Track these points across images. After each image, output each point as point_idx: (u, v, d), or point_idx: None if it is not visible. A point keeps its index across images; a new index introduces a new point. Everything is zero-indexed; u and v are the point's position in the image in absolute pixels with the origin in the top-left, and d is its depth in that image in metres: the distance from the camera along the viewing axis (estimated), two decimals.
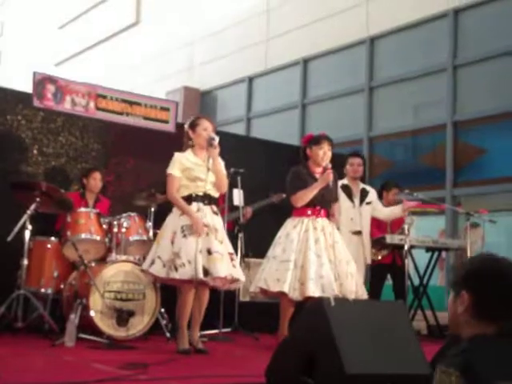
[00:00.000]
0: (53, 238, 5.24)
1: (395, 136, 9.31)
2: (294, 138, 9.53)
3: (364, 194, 6.00)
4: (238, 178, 5.84)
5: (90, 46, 16.23)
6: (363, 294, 4.94)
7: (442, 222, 8.37)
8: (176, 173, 4.56)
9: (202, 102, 12.44)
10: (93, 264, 5.08)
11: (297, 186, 4.92)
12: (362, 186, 6.07)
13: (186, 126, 4.75)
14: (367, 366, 2.79)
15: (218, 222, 4.60)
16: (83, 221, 5.17)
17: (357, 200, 5.95)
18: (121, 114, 6.33)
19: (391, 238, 6.05)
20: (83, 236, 5.14)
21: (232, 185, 5.69)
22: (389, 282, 6.50)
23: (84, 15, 16.83)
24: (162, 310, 5.24)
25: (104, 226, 5.24)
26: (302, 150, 5.12)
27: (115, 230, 5.22)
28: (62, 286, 5.15)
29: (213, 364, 4.17)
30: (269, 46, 11.28)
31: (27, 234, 4.92)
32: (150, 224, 5.47)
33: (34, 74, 5.90)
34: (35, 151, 5.88)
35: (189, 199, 4.53)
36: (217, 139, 4.53)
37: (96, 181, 5.71)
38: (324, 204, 4.97)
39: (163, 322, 5.17)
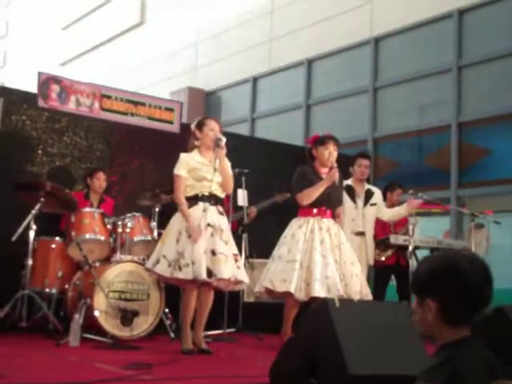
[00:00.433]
0: (57, 238, 5.26)
1: (400, 137, 9.28)
2: (298, 139, 9.50)
3: (369, 195, 5.98)
4: (243, 179, 5.85)
5: (94, 46, 16.27)
6: (368, 294, 4.94)
7: (446, 223, 8.34)
8: (183, 173, 4.55)
9: (206, 102, 12.44)
10: (97, 264, 5.09)
11: (303, 185, 4.92)
12: (367, 186, 6.05)
13: (192, 126, 4.74)
14: (371, 366, 2.78)
15: (223, 223, 4.60)
16: (88, 221, 5.18)
17: (360, 201, 5.93)
18: (125, 114, 6.35)
19: (395, 239, 6.03)
20: (88, 236, 5.15)
21: (236, 185, 5.68)
22: (393, 282, 6.48)
23: (89, 16, 16.88)
24: (167, 310, 5.25)
25: (108, 226, 5.25)
26: (308, 151, 5.10)
27: (119, 230, 5.23)
28: (66, 286, 5.17)
29: (217, 364, 4.17)
30: (273, 46, 11.27)
31: (32, 234, 4.94)
32: (154, 224, 5.48)
33: (39, 74, 5.92)
34: (40, 151, 5.90)
35: (195, 199, 4.53)
36: (224, 140, 4.54)
37: (100, 181, 5.72)
38: (330, 204, 4.97)
39: (167, 322, 5.17)
